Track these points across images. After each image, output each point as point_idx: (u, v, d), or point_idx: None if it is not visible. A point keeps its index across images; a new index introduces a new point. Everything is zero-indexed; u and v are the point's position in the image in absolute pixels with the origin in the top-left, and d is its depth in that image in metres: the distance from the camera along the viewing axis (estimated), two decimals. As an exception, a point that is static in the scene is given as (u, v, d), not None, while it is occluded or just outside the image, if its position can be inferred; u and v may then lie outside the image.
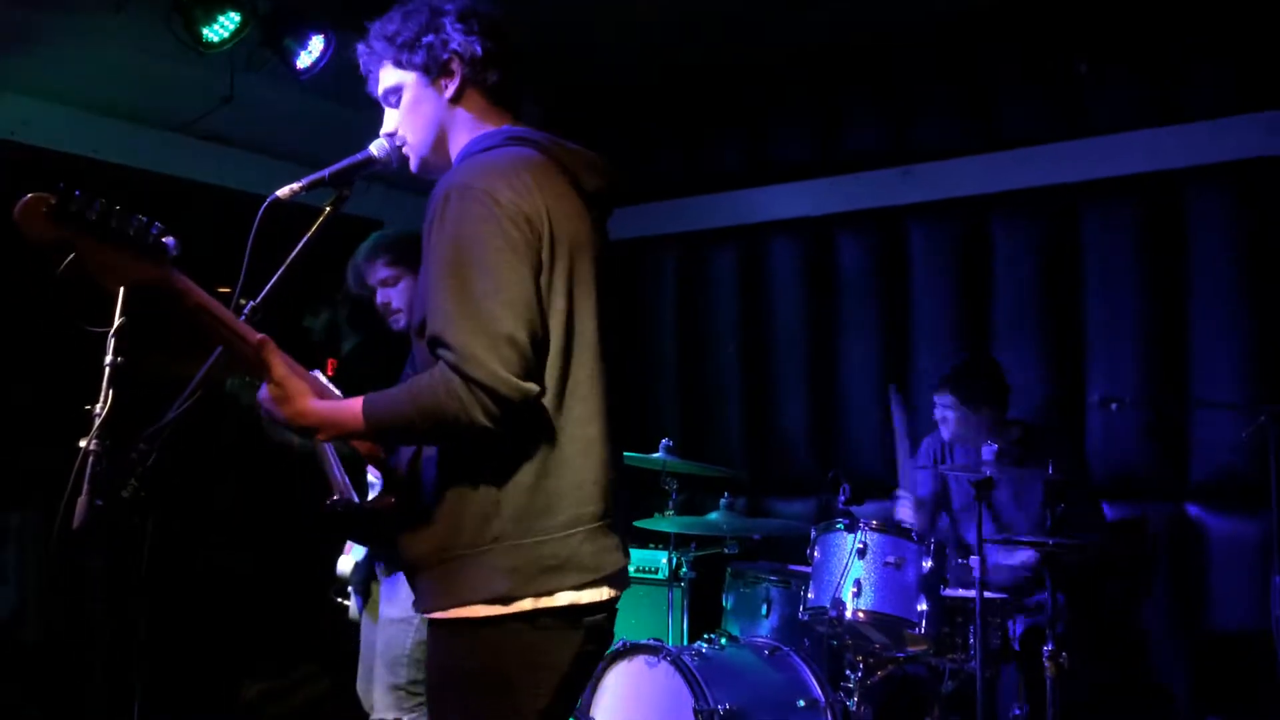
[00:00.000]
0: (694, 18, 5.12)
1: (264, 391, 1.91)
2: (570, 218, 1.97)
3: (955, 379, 4.33)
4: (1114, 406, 4.19)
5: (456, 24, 2.05)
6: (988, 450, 3.89)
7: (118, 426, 1.92)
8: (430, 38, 2.05)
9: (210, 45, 4.35)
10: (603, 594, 1.95)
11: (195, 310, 1.84)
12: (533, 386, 1.82)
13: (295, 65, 4.57)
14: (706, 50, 5.55)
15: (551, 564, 1.88)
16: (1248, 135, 4.60)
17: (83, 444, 1.88)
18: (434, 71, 2.06)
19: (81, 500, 1.85)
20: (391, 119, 2.14)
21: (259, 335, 1.90)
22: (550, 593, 1.88)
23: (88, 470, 1.86)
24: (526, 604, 1.87)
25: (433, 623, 1.96)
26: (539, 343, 1.85)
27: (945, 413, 4.35)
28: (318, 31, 4.56)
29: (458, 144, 2.09)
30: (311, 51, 4.57)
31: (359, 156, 2.10)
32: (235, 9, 4.35)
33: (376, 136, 2.13)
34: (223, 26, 4.35)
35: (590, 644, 1.97)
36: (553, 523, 1.89)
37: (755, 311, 5.87)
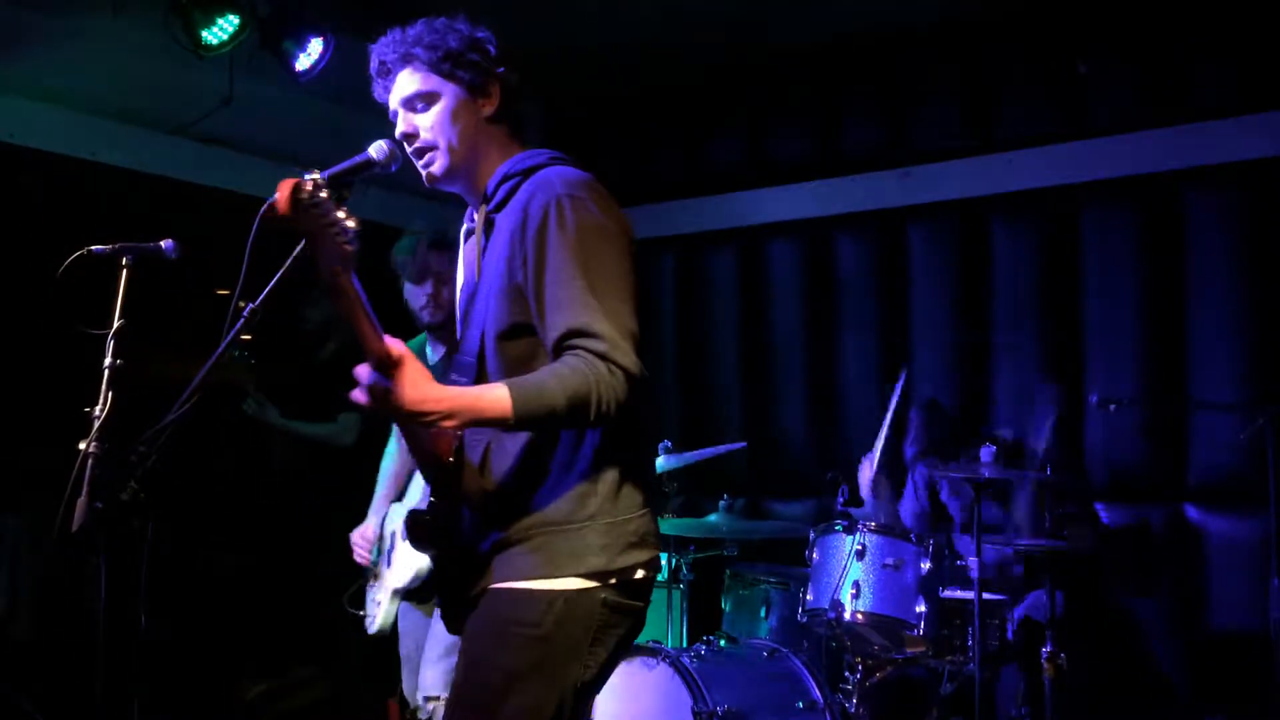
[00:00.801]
0: (693, 19, 5.12)
1: (370, 376, 1.83)
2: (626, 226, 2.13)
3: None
4: (1113, 408, 4.19)
5: (499, 53, 2.19)
6: (986, 452, 3.89)
7: (117, 429, 1.92)
8: (477, 57, 2.16)
9: (209, 48, 4.34)
10: (659, 566, 2.15)
11: (351, 303, 1.82)
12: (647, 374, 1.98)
13: (294, 68, 4.57)
14: (706, 52, 5.55)
15: (633, 540, 2.06)
16: (1249, 136, 4.61)
17: (82, 446, 1.89)
18: (477, 90, 2.17)
19: (81, 502, 1.85)
20: (414, 121, 2.17)
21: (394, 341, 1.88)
22: (634, 567, 2.06)
23: (87, 472, 1.86)
24: (614, 579, 2.03)
25: (501, 590, 2.03)
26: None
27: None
28: (317, 34, 4.55)
29: (489, 161, 2.18)
30: (311, 54, 4.56)
31: (358, 159, 2.10)
32: (234, 11, 4.34)
33: (375, 139, 2.14)
34: (221, 29, 4.34)
35: (636, 627, 2.12)
36: (634, 501, 2.07)
37: (754, 313, 5.87)
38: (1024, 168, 5.09)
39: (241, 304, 1.98)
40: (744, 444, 4.57)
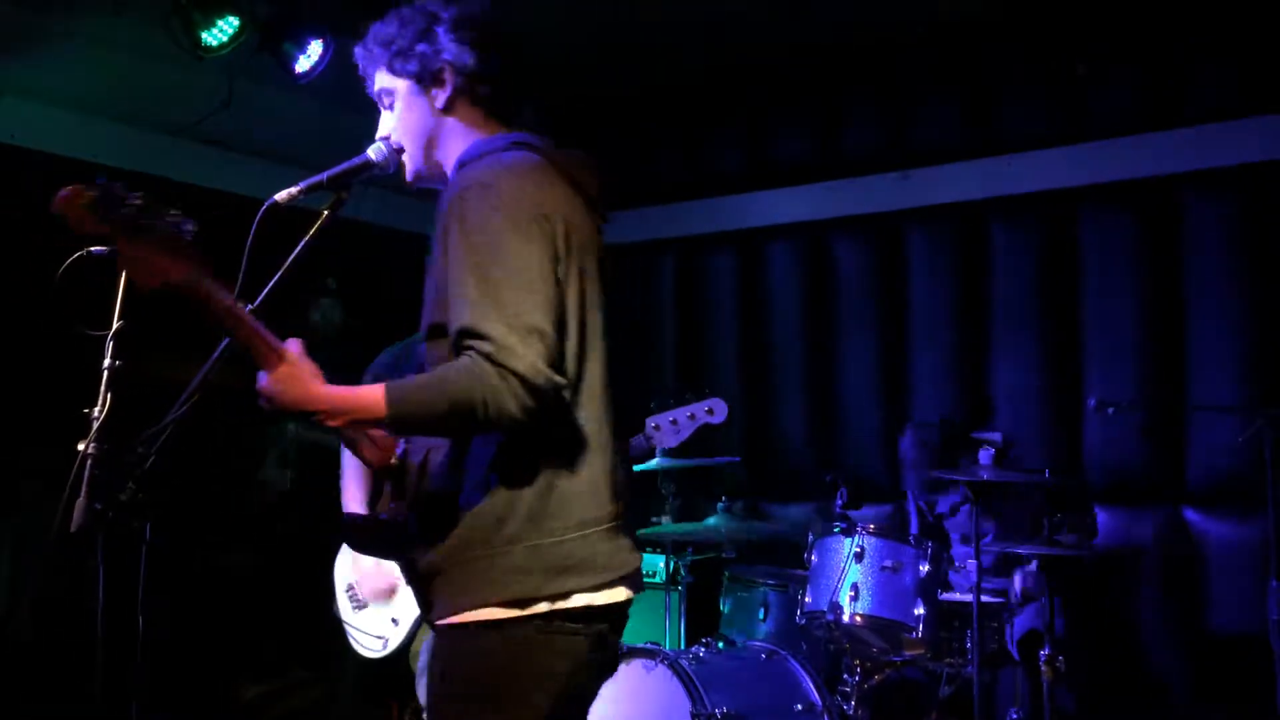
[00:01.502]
0: (692, 21, 5.12)
1: (264, 379, 1.87)
2: (576, 215, 1.99)
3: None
4: (1110, 410, 4.19)
5: (450, 33, 2.05)
6: (984, 454, 3.89)
7: (116, 430, 1.92)
8: (423, 46, 2.05)
9: (209, 49, 4.35)
10: (619, 594, 1.94)
11: (222, 311, 1.83)
12: (562, 379, 1.83)
13: (294, 69, 4.57)
14: (705, 53, 5.55)
15: (568, 564, 1.87)
16: (1248, 139, 4.61)
17: (81, 447, 1.89)
18: (426, 80, 2.07)
19: (80, 502, 1.85)
20: (386, 122, 2.15)
21: (292, 341, 1.90)
22: (566, 594, 1.87)
23: (86, 473, 1.86)
24: (543, 606, 1.86)
25: (440, 630, 1.94)
26: (561, 337, 1.86)
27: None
28: (316, 36, 4.56)
29: (449, 152, 2.10)
30: (310, 56, 4.57)
31: (357, 160, 2.11)
32: (234, 13, 4.35)
33: (375, 140, 2.14)
34: (221, 31, 4.35)
35: (596, 652, 1.94)
36: (569, 522, 1.88)
37: (753, 315, 5.88)
38: (1023, 171, 5.09)
39: (241, 304, 1.97)
40: (737, 458, 4.53)
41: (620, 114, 6.23)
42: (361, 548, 2.15)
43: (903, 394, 5.36)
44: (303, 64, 4.57)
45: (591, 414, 1.94)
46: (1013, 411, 5.02)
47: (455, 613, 1.89)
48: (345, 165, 2.09)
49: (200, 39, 4.32)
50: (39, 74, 4.47)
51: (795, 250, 5.77)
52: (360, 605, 3.43)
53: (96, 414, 1.92)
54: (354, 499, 3.32)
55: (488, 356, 1.76)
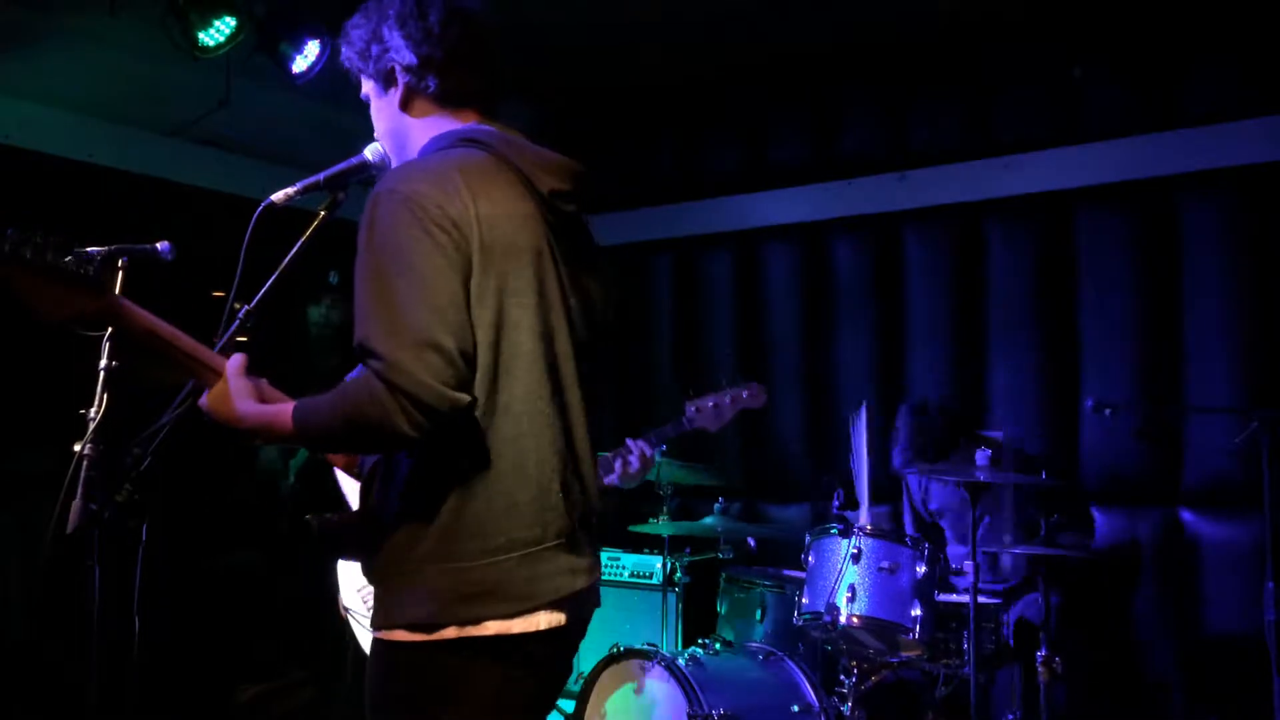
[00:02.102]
0: (689, 21, 5.12)
1: (203, 396, 1.88)
2: (510, 220, 1.87)
3: None
4: (1107, 412, 4.20)
5: (394, 30, 1.99)
6: (981, 455, 3.89)
7: (112, 431, 1.92)
8: (375, 47, 2.02)
9: (206, 49, 4.34)
10: (537, 622, 1.82)
11: (145, 335, 1.83)
12: (463, 397, 1.73)
13: (291, 69, 4.57)
14: (702, 55, 5.55)
15: (474, 591, 1.78)
16: (1245, 141, 4.61)
17: (77, 448, 1.88)
18: (382, 80, 2.05)
19: (76, 504, 1.85)
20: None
21: (235, 356, 1.89)
22: (476, 621, 1.78)
23: (82, 474, 1.86)
24: (450, 632, 1.78)
25: (373, 642, 1.91)
26: (469, 352, 1.77)
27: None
28: (313, 35, 4.55)
29: (416, 150, 2.04)
30: (307, 55, 4.57)
31: (353, 161, 2.10)
32: (231, 13, 4.34)
33: (371, 141, 2.14)
34: (218, 30, 4.34)
35: (520, 671, 1.83)
36: (478, 547, 1.79)
37: (750, 317, 5.88)
38: (1020, 172, 5.10)
39: (237, 305, 1.98)
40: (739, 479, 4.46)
41: (617, 114, 6.23)
42: (326, 551, 2.15)
43: (900, 395, 5.36)
44: (300, 64, 4.57)
45: (510, 433, 1.83)
46: (1009, 412, 5.02)
47: (378, 628, 1.87)
48: (342, 166, 2.09)
49: (197, 39, 4.32)
50: (34, 73, 4.46)
51: (792, 251, 5.77)
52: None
53: (93, 415, 1.92)
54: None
55: (378, 374, 1.70)
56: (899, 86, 5.50)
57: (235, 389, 1.87)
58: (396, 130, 2.06)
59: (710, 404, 3.77)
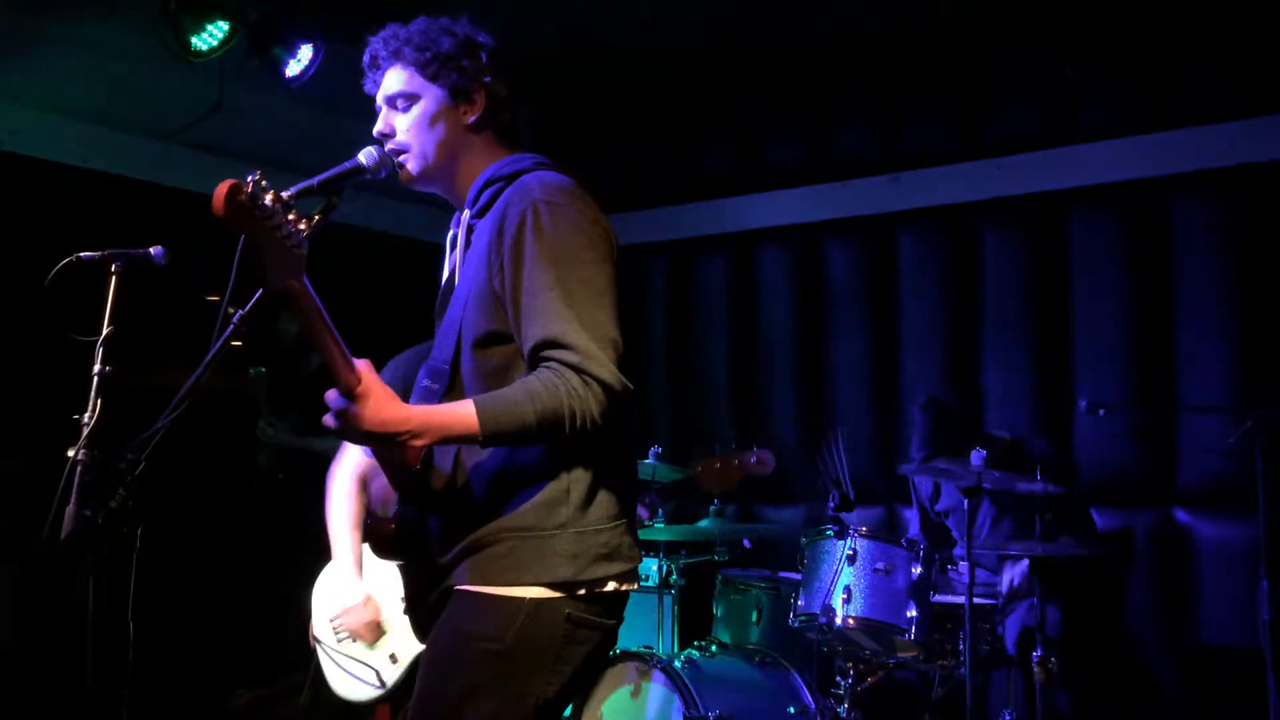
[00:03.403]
0: (685, 24, 5.13)
1: (338, 401, 1.85)
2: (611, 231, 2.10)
3: None
4: (1101, 412, 4.21)
5: (491, 60, 2.16)
6: (976, 456, 3.89)
7: (106, 436, 1.92)
8: (468, 63, 2.13)
9: (199, 54, 4.34)
10: (635, 585, 2.07)
11: (315, 325, 1.81)
12: (631, 385, 1.93)
13: (284, 74, 4.57)
14: (697, 57, 5.56)
15: (605, 552, 2.00)
16: (1237, 142, 4.63)
17: (71, 453, 1.88)
18: (460, 96, 2.14)
19: (70, 509, 1.85)
20: (391, 121, 2.15)
21: (360, 360, 1.88)
22: (603, 580, 1.99)
23: (76, 479, 1.86)
24: (582, 590, 1.97)
25: (464, 595, 1.99)
26: (622, 347, 1.97)
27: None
28: (307, 40, 4.55)
29: (470, 167, 2.16)
30: (300, 60, 4.56)
31: (348, 165, 2.10)
32: (224, 17, 4.34)
33: (366, 145, 2.13)
34: (211, 35, 4.34)
35: (601, 649, 2.06)
36: (610, 513, 2.02)
37: (745, 319, 5.88)
38: (1013, 173, 5.11)
39: (231, 310, 1.97)
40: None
41: (612, 117, 6.23)
42: (383, 551, 2.15)
43: (894, 396, 5.37)
44: (293, 68, 4.57)
45: (625, 418, 2.01)
46: (1003, 413, 5.03)
47: (490, 584, 1.97)
48: (337, 170, 2.08)
49: (190, 43, 4.31)
50: (27, 78, 4.46)
51: (786, 253, 5.78)
52: (346, 638, 3.33)
53: (87, 420, 1.92)
54: (341, 503, 3.26)
55: (573, 366, 1.86)
56: (892, 88, 5.51)
57: (388, 391, 1.86)
58: (452, 143, 2.15)
59: (718, 466, 3.77)
